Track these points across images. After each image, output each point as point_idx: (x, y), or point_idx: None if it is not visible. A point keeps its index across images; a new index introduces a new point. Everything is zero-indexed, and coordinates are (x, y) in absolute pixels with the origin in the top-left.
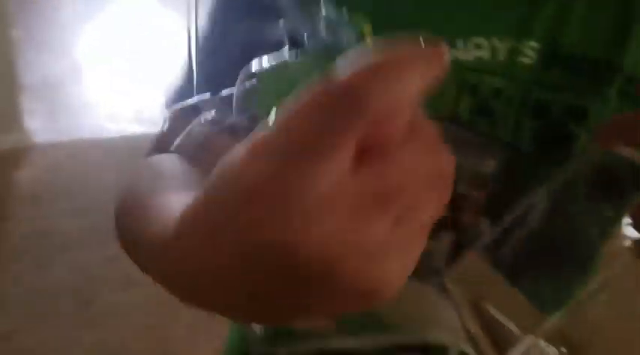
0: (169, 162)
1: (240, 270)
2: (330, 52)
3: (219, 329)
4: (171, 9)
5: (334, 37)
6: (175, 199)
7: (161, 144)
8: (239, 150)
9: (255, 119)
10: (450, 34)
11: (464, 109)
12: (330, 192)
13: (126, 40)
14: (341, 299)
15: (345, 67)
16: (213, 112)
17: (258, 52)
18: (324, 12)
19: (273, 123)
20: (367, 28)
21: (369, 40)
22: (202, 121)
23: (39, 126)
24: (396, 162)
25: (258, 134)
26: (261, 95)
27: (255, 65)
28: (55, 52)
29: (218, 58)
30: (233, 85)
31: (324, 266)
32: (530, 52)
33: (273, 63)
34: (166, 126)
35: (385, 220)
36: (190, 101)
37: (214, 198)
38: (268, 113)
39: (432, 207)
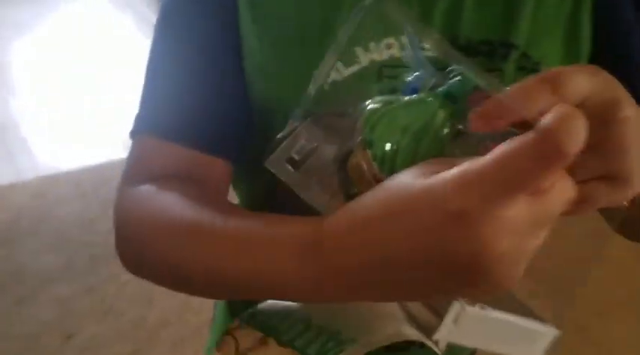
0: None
1: (420, 264)
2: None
3: (198, 350)
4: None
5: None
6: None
7: (142, 170)
8: (443, 176)
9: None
10: (363, 38)
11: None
12: (514, 217)
13: (77, 79)
14: (483, 291)
15: (532, 111)
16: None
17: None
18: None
19: (485, 159)
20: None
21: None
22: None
23: None
24: (553, 194)
25: (467, 165)
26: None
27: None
28: (7, 91)
29: (167, 81)
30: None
31: (493, 272)
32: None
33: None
34: (139, 153)
35: (536, 241)
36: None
37: (409, 206)
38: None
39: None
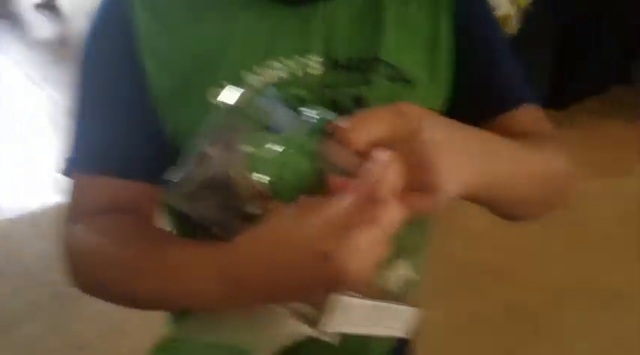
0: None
1: (297, 281)
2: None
3: None
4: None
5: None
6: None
7: (79, 208)
8: (296, 209)
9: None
10: (244, 63)
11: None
12: (359, 243)
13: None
14: (334, 284)
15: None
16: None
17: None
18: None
19: (335, 205)
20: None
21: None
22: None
23: None
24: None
25: (326, 211)
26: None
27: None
28: None
29: (91, 126)
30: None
31: (333, 260)
32: (316, 64)
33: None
34: (73, 192)
35: (380, 251)
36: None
37: (281, 227)
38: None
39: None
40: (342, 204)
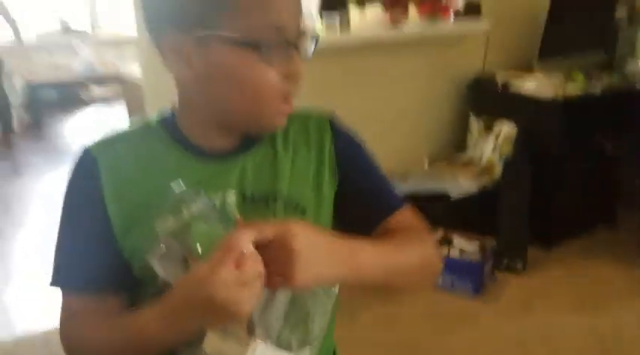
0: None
1: (200, 311)
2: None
3: None
4: None
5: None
6: (139, 313)
7: (67, 311)
8: (202, 267)
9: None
10: (181, 200)
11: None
12: (227, 279)
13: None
14: (223, 317)
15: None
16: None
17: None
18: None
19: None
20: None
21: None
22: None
23: None
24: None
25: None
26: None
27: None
28: None
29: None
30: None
31: (226, 303)
32: (232, 197)
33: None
34: (62, 301)
35: (251, 290)
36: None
37: (190, 284)
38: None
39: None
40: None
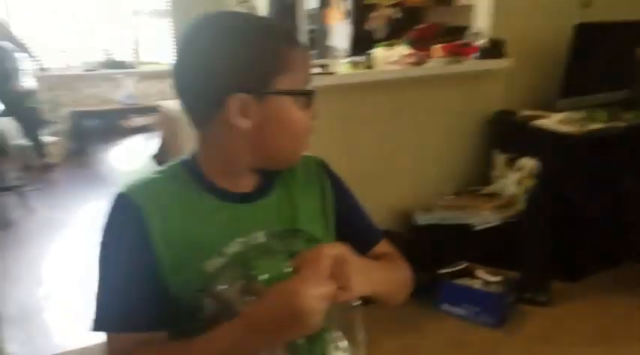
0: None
1: (282, 322)
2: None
3: None
4: None
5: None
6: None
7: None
8: (293, 281)
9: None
10: (222, 243)
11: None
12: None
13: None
14: (303, 328)
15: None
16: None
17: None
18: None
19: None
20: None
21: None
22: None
23: (16, 349)
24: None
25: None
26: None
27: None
28: (28, 283)
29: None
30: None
31: (311, 315)
32: (262, 237)
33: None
34: (108, 342)
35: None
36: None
37: (280, 295)
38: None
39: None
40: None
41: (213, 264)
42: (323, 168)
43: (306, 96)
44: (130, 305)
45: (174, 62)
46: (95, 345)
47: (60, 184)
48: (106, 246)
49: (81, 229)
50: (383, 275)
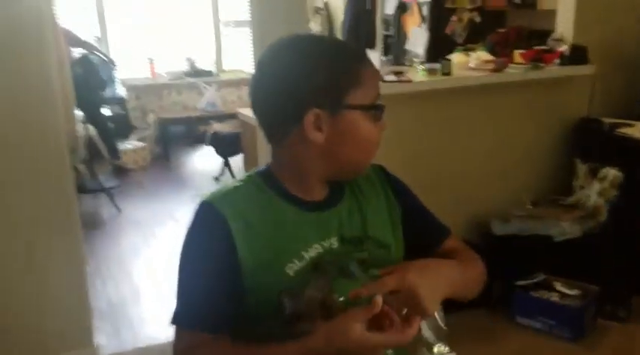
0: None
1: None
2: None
3: None
4: None
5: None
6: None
7: (183, 346)
8: (344, 319)
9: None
10: (301, 247)
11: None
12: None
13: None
14: None
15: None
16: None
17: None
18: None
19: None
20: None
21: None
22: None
23: (104, 341)
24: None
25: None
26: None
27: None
28: (117, 280)
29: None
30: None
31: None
32: (335, 242)
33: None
34: (180, 336)
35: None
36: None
37: (333, 332)
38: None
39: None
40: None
41: (294, 267)
42: (383, 173)
43: (376, 110)
44: (206, 307)
45: (253, 82)
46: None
47: (145, 186)
48: (190, 248)
49: (164, 229)
50: (454, 276)
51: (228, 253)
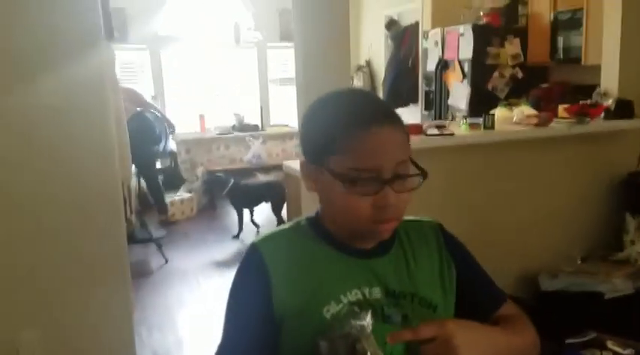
0: None
1: None
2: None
3: None
4: None
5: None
6: None
7: None
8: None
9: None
10: (340, 291)
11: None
12: None
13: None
14: None
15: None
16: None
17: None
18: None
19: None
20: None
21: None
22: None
23: None
24: None
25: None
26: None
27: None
28: (163, 329)
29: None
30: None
31: None
32: (378, 293)
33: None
34: None
35: None
36: None
37: None
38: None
39: None
40: None
41: (331, 310)
42: (440, 231)
43: (346, 180)
44: (245, 347)
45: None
46: None
47: (192, 236)
48: (232, 294)
49: (209, 279)
50: (499, 342)
51: (264, 304)
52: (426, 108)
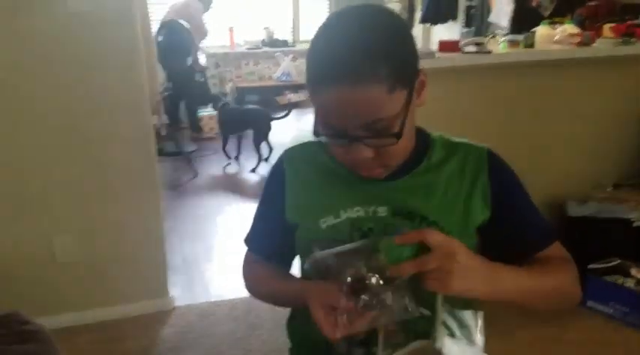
0: (277, 270)
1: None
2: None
3: None
4: None
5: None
6: (293, 281)
7: (249, 262)
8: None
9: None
10: (340, 206)
11: (356, 237)
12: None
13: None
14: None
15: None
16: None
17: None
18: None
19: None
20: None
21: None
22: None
23: (178, 293)
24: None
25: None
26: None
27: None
28: (192, 238)
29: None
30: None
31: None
32: (383, 212)
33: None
34: (248, 255)
35: None
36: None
37: (307, 291)
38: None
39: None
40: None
41: (327, 222)
42: (486, 157)
43: (323, 129)
44: (260, 236)
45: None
46: (245, 297)
47: (221, 151)
48: (263, 191)
49: (236, 193)
50: (510, 282)
51: (279, 202)
52: (466, 25)
